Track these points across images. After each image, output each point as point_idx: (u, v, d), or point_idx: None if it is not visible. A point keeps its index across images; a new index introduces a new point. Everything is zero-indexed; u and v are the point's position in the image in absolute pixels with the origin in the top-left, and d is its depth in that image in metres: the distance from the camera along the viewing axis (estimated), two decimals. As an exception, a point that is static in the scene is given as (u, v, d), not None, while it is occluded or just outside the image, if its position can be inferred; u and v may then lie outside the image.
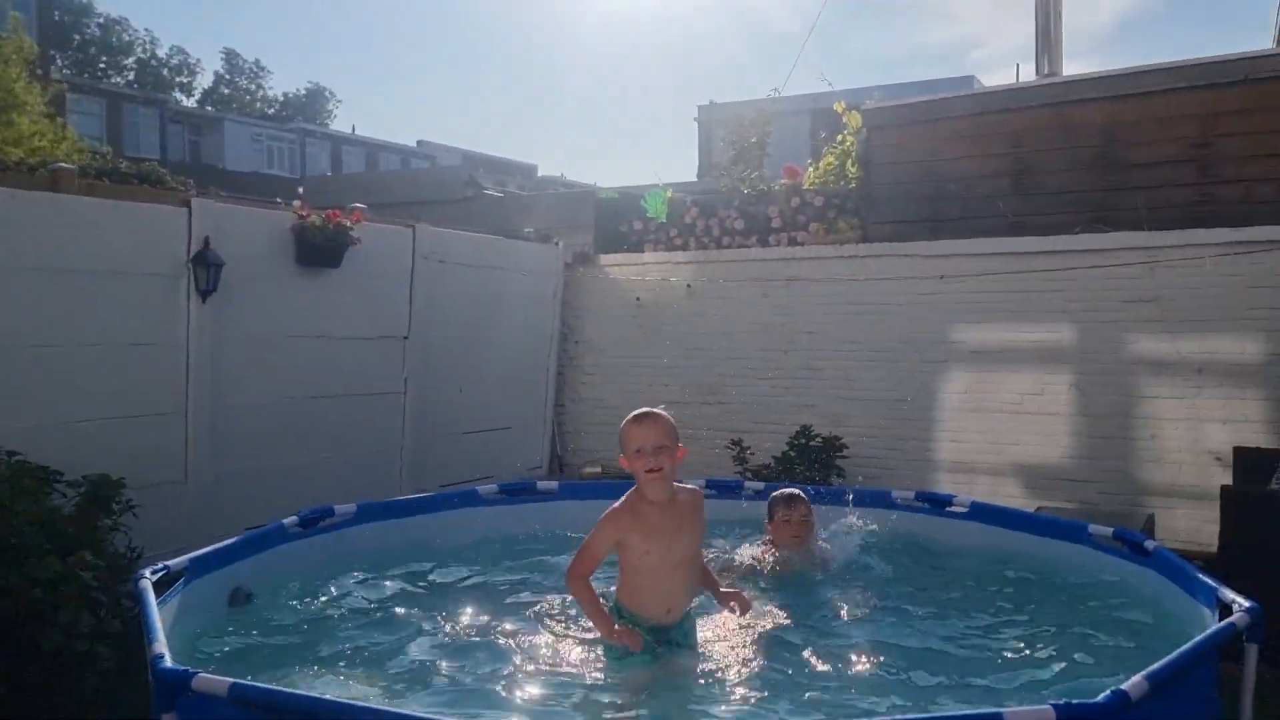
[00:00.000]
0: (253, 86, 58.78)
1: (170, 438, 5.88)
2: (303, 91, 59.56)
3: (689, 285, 8.91)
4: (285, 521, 4.24)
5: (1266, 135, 6.90)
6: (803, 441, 7.76)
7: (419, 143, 53.12)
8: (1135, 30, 70.25)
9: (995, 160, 7.78)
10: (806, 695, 3.11)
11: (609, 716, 3.05)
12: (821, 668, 3.35)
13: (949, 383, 7.80)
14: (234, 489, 6.19)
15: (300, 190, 10.67)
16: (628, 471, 3.47)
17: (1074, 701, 2.24)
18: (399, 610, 4.00)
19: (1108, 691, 2.28)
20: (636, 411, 3.51)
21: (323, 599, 4.05)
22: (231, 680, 2.32)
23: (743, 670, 3.40)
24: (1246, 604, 2.98)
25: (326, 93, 60.62)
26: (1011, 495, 7.25)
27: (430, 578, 4.46)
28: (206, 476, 6.07)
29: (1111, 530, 4.21)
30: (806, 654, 3.47)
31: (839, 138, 9.14)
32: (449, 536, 4.84)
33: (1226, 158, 7.03)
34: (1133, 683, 2.33)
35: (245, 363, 6.29)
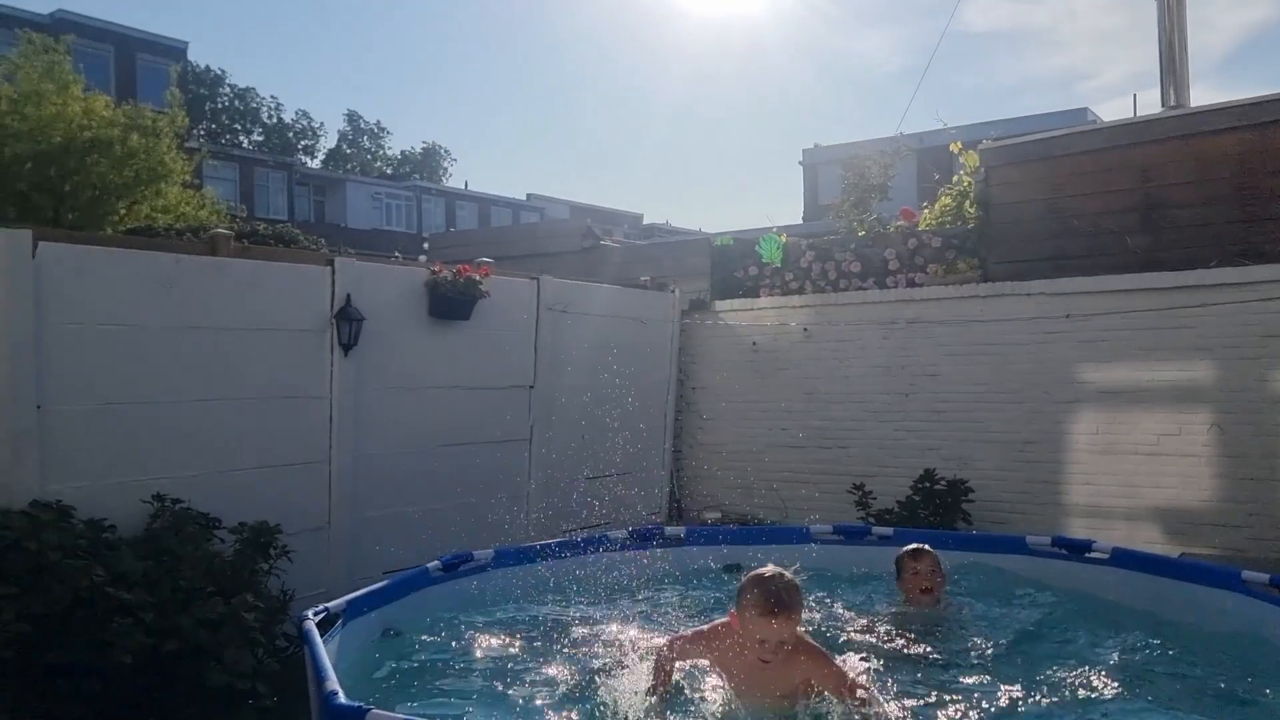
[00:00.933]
0: (373, 146, 61.56)
1: (315, 486, 6.17)
2: (419, 150, 62.07)
3: (805, 329, 8.92)
4: (429, 565, 4.42)
5: None
6: (926, 485, 7.64)
7: (528, 196, 54.70)
8: (1256, 49, 67.38)
9: (1122, 195, 7.61)
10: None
11: None
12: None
13: (1078, 424, 7.58)
14: (373, 534, 6.45)
15: (425, 246, 11.11)
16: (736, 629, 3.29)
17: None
18: (535, 646, 4.11)
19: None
20: (772, 596, 3.18)
21: (465, 637, 4.20)
22: (403, 715, 2.45)
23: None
24: None
25: (442, 150, 63.07)
26: (1150, 541, 6.99)
27: (562, 617, 4.56)
28: (347, 522, 6.34)
29: (1269, 577, 4.04)
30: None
31: (955, 178, 9.09)
32: (581, 579, 4.94)
33: (1373, 184, 6.73)
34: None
35: (383, 413, 6.58)
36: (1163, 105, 8.70)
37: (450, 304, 6.96)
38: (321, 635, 3.31)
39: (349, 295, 6.28)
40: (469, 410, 7.27)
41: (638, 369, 8.96)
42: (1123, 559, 4.65)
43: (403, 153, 61.88)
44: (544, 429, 7.90)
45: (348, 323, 6.22)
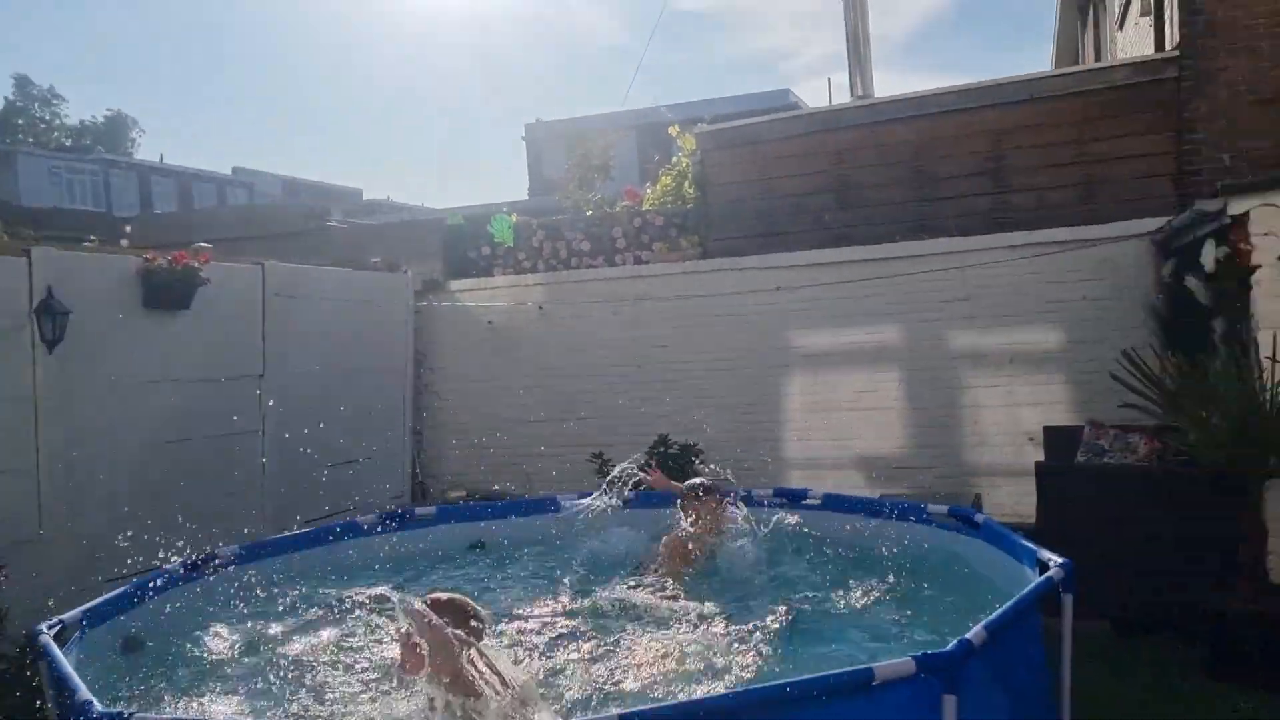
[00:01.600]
0: (46, 115, 55.07)
1: (22, 495, 5.67)
2: (101, 119, 56.17)
3: (540, 307, 9.16)
4: (167, 568, 4.24)
5: (1050, 148, 7.76)
6: (661, 450, 8.11)
7: (234, 170, 51.05)
8: (929, 39, 75.09)
9: (820, 177, 8.40)
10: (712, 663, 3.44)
11: None
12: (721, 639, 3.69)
13: (792, 385, 8.34)
14: (94, 540, 6.00)
15: (127, 229, 10.30)
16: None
17: (929, 652, 2.63)
18: (289, 641, 4.07)
19: (954, 641, 2.68)
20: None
21: (213, 638, 4.08)
22: (168, 717, 2.42)
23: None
24: (1060, 561, 3.49)
25: (129, 119, 57.40)
26: (857, 486, 7.84)
27: (316, 608, 4.52)
28: (63, 530, 5.88)
29: (946, 509, 4.73)
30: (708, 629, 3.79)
31: (674, 159, 9.62)
32: (334, 567, 4.90)
33: (1018, 168, 7.86)
34: (974, 632, 2.75)
35: (97, 412, 6.13)
36: (851, 95, 9.65)
37: (167, 293, 6.57)
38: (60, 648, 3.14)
39: (49, 288, 5.79)
40: (194, 404, 6.91)
41: (373, 352, 8.84)
42: (833, 502, 5.25)
43: (82, 122, 55.76)
44: (276, 419, 7.63)
45: (50, 317, 5.74)
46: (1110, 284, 7.35)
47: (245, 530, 6.53)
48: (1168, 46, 7.61)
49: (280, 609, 4.48)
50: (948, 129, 8.03)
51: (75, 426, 5.98)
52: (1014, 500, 7.32)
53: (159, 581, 4.12)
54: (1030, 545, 3.82)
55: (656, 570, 4.77)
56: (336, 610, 4.35)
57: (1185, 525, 5.31)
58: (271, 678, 3.73)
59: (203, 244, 7.18)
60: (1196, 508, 5.25)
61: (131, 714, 2.49)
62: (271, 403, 7.56)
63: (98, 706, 2.55)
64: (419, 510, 5.49)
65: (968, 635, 2.72)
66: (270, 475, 7.58)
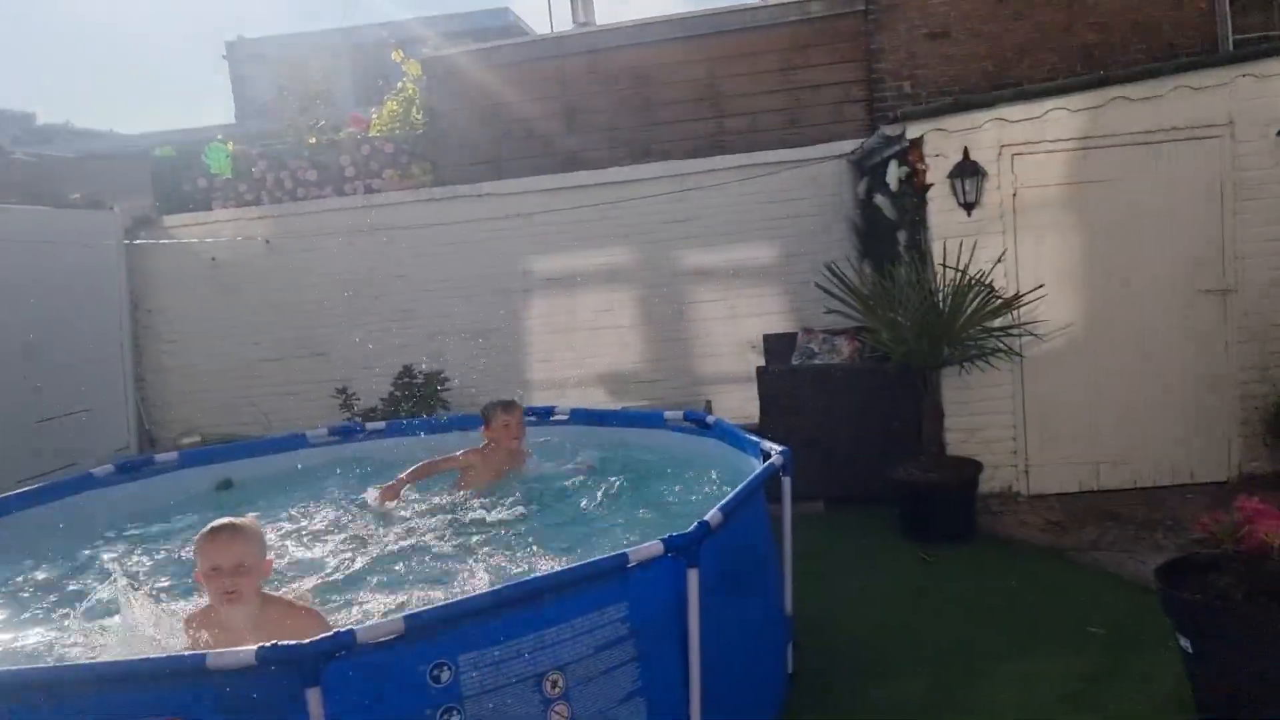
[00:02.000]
0: None
1: None
2: None
3: (268, 241, 8.81)
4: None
5: (760, 75, 8.35)
6: (406, 380, 8.16)
7: None
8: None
9: (548, 103, 8.58)
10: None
11: None
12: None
13: (532, 308, 8.60)
14: None
15: None
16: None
17: (673, 535, 3.00)
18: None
19: (695, 523, 3.07)
20: (214, 522, 3.02)
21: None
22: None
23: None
24: (780, 449, 3.98)
25: None
26: (600, 401, 8.25)
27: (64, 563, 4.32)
28: None
29: (682, 413, 5.18)
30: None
31: (400, 85, 9.43)
32: (71, 524, 4.66)
33: (732, 94, 8.41)
34: (710, 514, 3.14)
35: None
36: (573, 21, 9.83)
37: None
38: None
39: None
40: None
41: (82, 297, 8.20)
42: (579, 416, 5.58)
43: None
44: (-24, 374, 6.97)
45: None
46: (815, 201, 8.09)
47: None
48: (856, -17, 8.33)
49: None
50: (668, 56, 8.43)
51: None
52: (740, 404, 7.99)
53: None
54: (754, 439, 4.30)
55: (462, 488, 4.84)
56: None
57: (881, 412, 6.12)
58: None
59: None
60: (889, 397, 6.06)
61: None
62: (-34, 357, 6.89)
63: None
64: (159, 457, 5.28)
65: (705, 517, 3.10)
66: (-28, 436, 6.94)
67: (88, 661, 2.99)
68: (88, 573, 4.17)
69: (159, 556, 4.35)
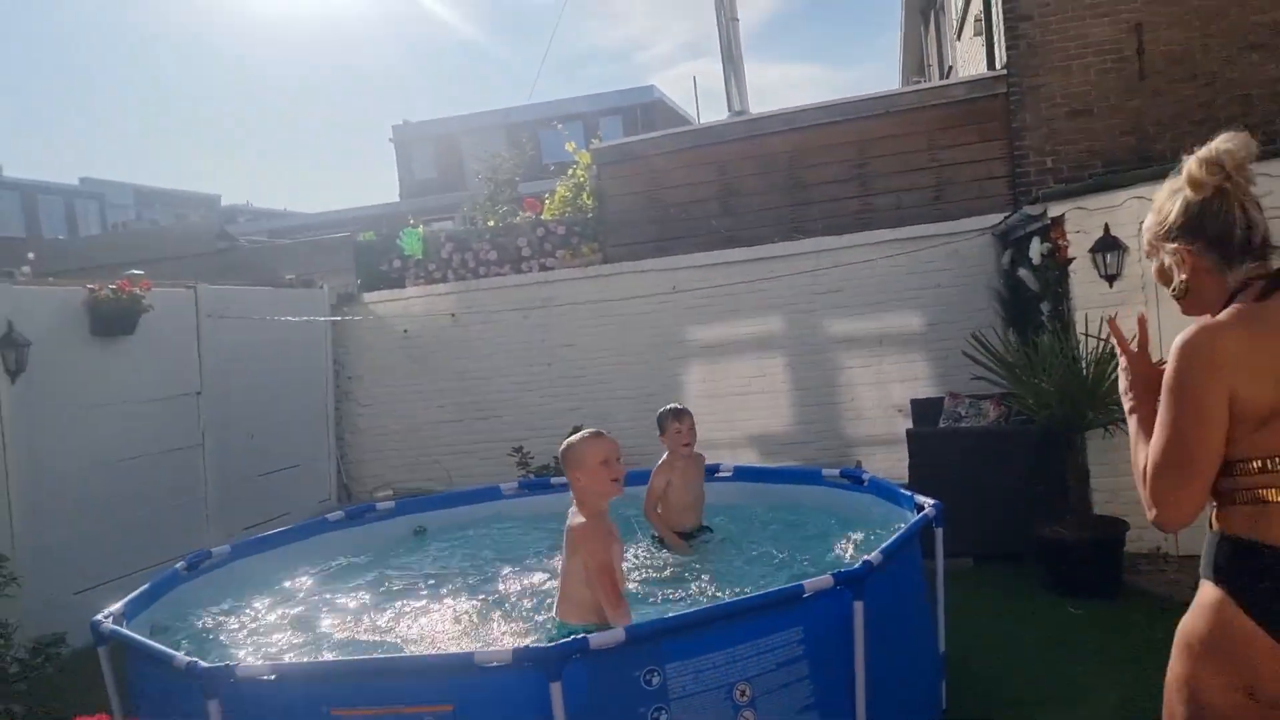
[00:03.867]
0: None
1: (-7, 516, 6.05)
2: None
3: (453, 314, 9.80)
4: (177, 567, 4.80)
5: (906, 155, 8.88)
6: (575, 441, 8.89)
7: (81, 180, 49.05)
8: (783, 28, 77.69)
9: (706, 186, 9.34)
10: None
11: None
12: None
13: (688, 375, 9.26)
14: (58, 555, 6.42)
15: (31, 256, 10.38)
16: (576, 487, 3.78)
17: (842, 570, 3.53)
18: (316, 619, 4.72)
19: (860, 561, 3.59)
20: (589, 431, 3.86)
21: (221, 623, 4.68)
22: (270, 663, 3.09)
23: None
24: (933, 502, 4.45)
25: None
26: (752, 460, 8.79)
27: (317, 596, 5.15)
28: (30, 547, 6.27)
29: (839, 470, 5.69)
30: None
31: (570, 171, 10.38)
32: (311, 562, 5.51)
33: (879, 174, 8.96)
34: (874, 555, 3.65)
35: (58, 435, 6.52)
36: (728, 109, 10.62)
37: (113, 321, 6.98)
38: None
39: (9, 321, 6.16)
40: (142, 423, 7.33)
41: (297, 366, 9.33)
42: (742, 474, 6.15)
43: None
44: (215, 433, 8.09)
45: (13, 348, 6.12)
46: (959, 273, 8.51)
47: (192, 540, 7.01)
48: (997, 65, 8.80)
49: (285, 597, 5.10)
50: (817, 140, 9.07)
51: (39, 450, 6.37)
52: (888, 466, 8.38)
53: (169, 578, 4.67)
54: (908, 493, 4.78)
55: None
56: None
57: (1026, 474, 6.44)
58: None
59: (135, 271, 7.58)
60: (1034, 459, 6.39)
61: (235, 664, 3.15)
62: (209, 418, 8.01)
63: (202, 663, 3.20)
64: (380, 505, 6.12)
65: (868, 557, 3.62)
66: (211, 487, 8.02)
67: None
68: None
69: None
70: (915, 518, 4.33)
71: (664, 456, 5.57)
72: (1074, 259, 6.40)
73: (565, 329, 9.50)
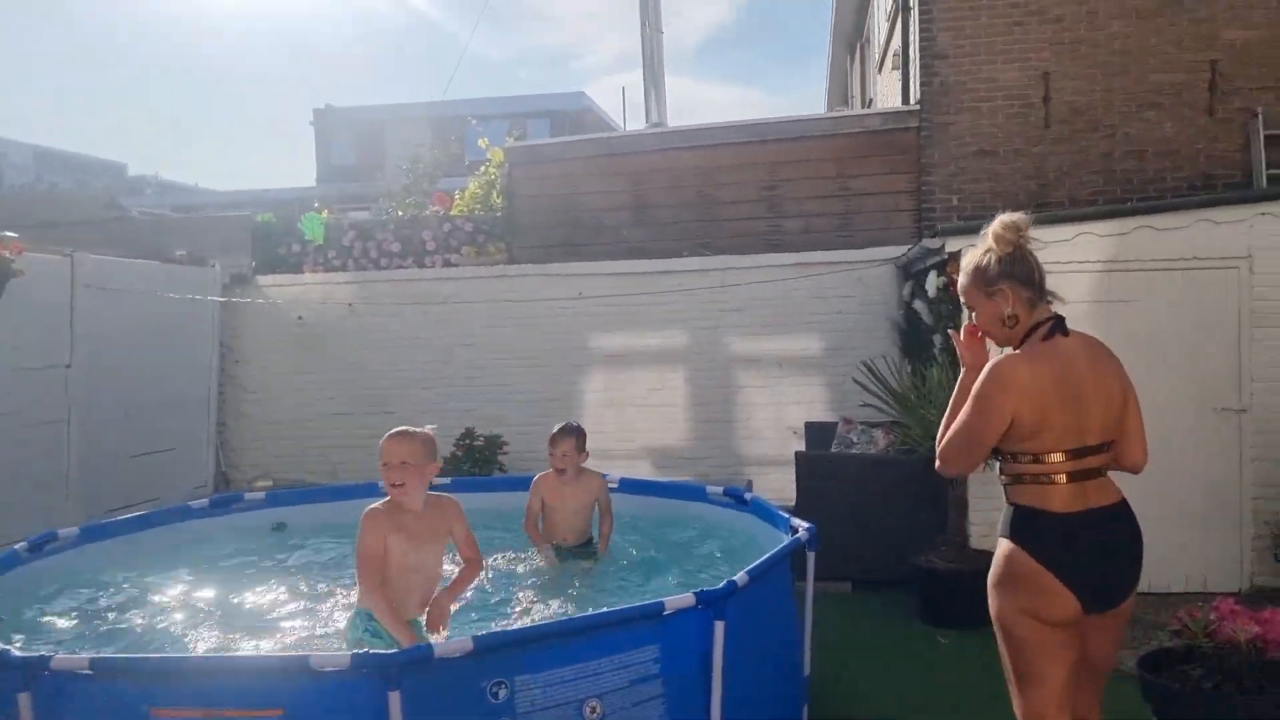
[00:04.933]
0: None
1: None
2: None
3: (350, 304, 9.52)
4: (16, 547, 4.51)
5: (817, 180, 8.96)
6: (467, 442, 8.73)
7: (-21, 137, 46.77)
8: (715, 48, 78.63)
9: (619, 195, 9.28)
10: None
11: None
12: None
13: (589, 382, 9.16)
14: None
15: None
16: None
17: (704, 589, 3.47)
18: (145, 613, 4.47)
19: (724, 581, 3.54)
20: (394, 429, 3.76)
21: (62, 611, 4.41)
22: (89, 654, 2.88)
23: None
24: (807, 525, 4.44)
25: None
26: (644, 473, 8.72)
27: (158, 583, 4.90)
28: None
29: (722, 489, 5.66)
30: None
31: (482, 169, 10.22)
32: (167, 549, 5.25)
33: (789, 197, 9.03)
34: (739, 575, 3.61)
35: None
36: (646, 119, 10.60)
37: (-22, 283, 6.56)
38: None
39: None
40: (1, 392, 6.93)
41: (179, 346, 8.95)
42: (628, 485, 6.08)
43: None
44: (83, 409, 7.70)
45: None
46: (862, 300, 8.61)
47: (49, 520, 6.63)
48: (911, 100, 8.95)
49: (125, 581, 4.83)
50: (731, 159, 9.10)
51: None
52: (780, 486, 8.40)
53: (10, 559, 4.39)
54: (786, 516, 4.76)
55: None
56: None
57: (910, 503, 6.52)
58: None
59: (7, 233, 7.16)
60: (918, 489, 6.47)
61: (52, 655, 2.93)
62: (77, 393, 7.62)
63: (14, 650, 2.97)
64: (247, 495, 5.88)
65: (733, 578, 3.57)
66: (74, 465, 7.63)
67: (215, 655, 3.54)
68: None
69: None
70: (788, 540, 4.30)
71: (543, 472, 5.46)
72: (967, 294, 6.49)
73: (466, 327, 9.32)
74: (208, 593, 4.75)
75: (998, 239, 2.87)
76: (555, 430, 5.44)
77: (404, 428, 3.79)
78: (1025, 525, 2.77)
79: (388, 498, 3.73)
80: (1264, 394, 6.17)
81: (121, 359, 8.10)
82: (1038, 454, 2.75)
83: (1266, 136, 7.89)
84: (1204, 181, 8.10)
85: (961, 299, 3.04)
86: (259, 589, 4.84)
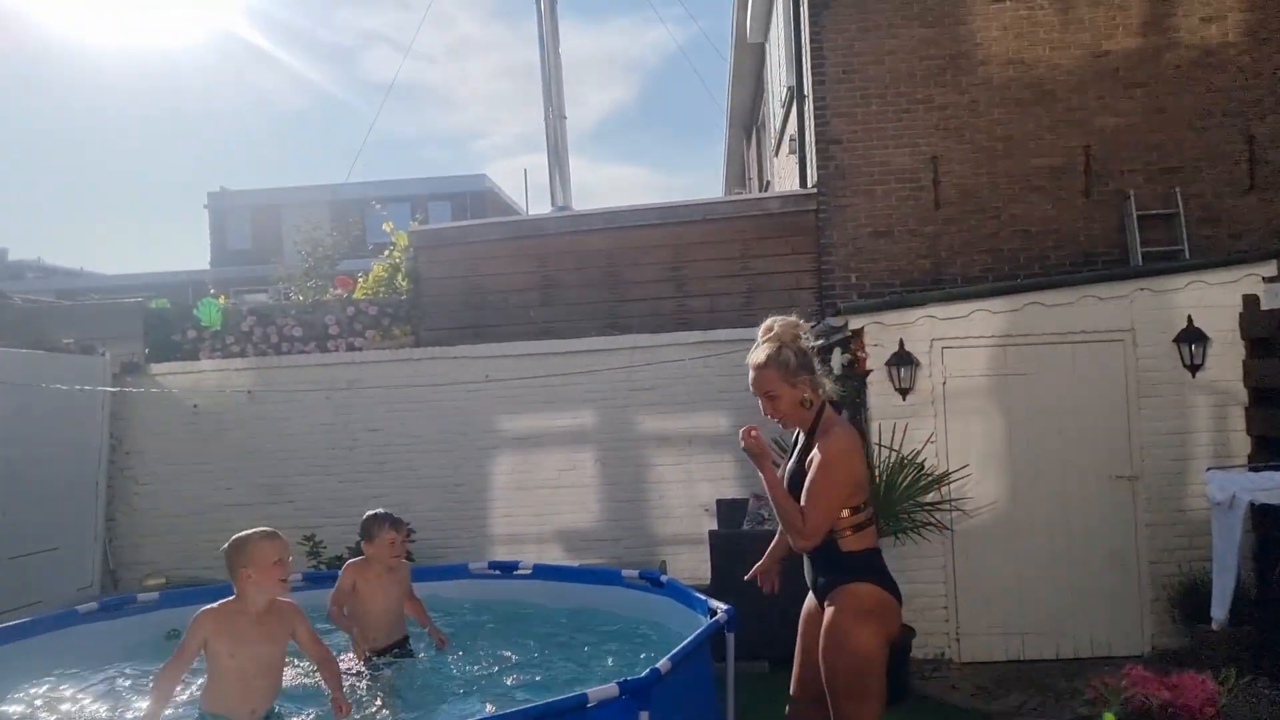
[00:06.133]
0: None
1: None
2: None
3: (249, 391, 9.24)
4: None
5: (720, 261, 9.14)
6: (373, 530, 8.46)
7: None
8: (614, 128, 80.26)
9: (526, 276, 9.28)
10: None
11: None
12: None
13: (497, 465, 9.03)
14: None
15: None
16: (244, 583, 3.81)
17: (628, 679, 3.40)
18: None
19: (647, 670, 3.47)
20: (263, 529, 3.92)
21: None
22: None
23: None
24: (725, 606, 4.41)
25: None
26: (557, 557, 8.60)
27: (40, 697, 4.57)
28: None
29: (638, 572, 5.60)
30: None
31: (386, 252, 10.13)
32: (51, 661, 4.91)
33: (695, 277, 9.17)
34: (661, 663, 3.55)
35: None
36: (552, 202, 10.71)
37: None
38: None
39: None
40: None
41: (64, 439, 8.53)
42: (541, 571, 5.97)
43: None
44: (-44, 509, 7.22)
45: None
46: (768, 377, 8.72)
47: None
48: (808, 183, 9.25)
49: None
50: (637, 240, 9.21)
51: None
52: (694, 565, 8.38)
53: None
54: (702, 598, 4.73)
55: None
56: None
57: (824, 578, 6.54)
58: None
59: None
60: (831, 563, 6.50)
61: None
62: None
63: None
64: (141, 596, 5.56)
65: (657, 665, 3.52)
66: (-53, 569, 7.13)
67: None
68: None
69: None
70: (707, 623, 4.27)
71: (360, 559, 5.27)
72: (871, 370, 6.67)
73: (371, 412, 9.12)
74: (98, 708, 4.44)
75: (789, 336, 3.48)
76: (384, 514, 5.27)
77: (267, 529, 3.96)
78: (878, 565, 3.42)
79: (229, 599, 3.86)
80: (1154, 461, 6.45)
81: (2, 454, 7.65)
82: (867, 501, 3.43)
83: (1140, 217, 8.38)
84: (1085, 259, 8.53)
85: (760, 388, 3.49)
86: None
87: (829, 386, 3.55)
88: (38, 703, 4.53)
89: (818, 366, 3.49)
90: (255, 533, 3.90)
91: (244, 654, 3.74)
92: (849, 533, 3.35)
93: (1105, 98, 8.64)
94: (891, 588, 3.40)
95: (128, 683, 4.79)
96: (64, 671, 4.88)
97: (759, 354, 3.47)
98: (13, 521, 7.76)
